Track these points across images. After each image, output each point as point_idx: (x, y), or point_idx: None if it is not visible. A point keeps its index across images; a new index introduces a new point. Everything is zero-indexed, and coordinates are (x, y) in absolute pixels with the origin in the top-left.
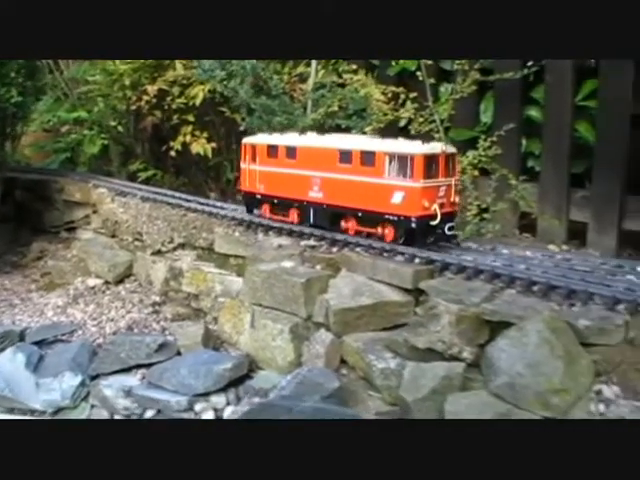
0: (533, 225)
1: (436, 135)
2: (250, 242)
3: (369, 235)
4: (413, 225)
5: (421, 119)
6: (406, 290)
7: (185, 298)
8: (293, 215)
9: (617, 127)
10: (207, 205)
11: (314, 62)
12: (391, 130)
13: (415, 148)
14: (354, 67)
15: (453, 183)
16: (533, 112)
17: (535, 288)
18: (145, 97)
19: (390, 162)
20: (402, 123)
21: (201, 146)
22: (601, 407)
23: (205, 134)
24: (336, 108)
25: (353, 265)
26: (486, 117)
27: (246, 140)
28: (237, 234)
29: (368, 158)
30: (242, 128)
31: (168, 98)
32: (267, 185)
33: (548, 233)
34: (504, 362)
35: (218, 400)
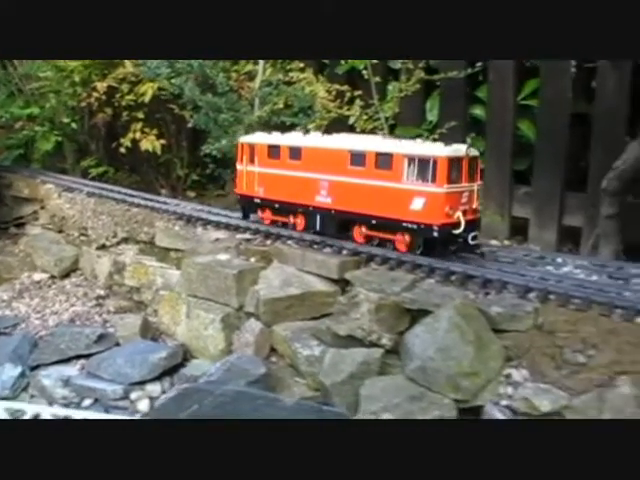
0: None
1: (380, 132)
2: (189, 236)
3: (381, 244)
4: (435, 234)
5: (365, 116)
6: (333, 280)
7: (128, 291)
8: (296, 221)
9: (557, 126)
10: (150, 200)
11: (262, 60)
12: (340, 128)
13: (438, 150)
14: (301, 65)
15: (476, 188)
16: (478, 111)
17: (453, 278)
18: (95, 94)
19: (409, 165)
20: (352, 120)
21: (150, 143)
22: (509, 390)
23: (155, 131)
24: (281, 105)
25: (284, 257)
26: (432, 115)
27: (243, 139)
28: (177, 228)
29: (384, 160)
30: (190, 125)
31: (117, 95)
32: (267, 188)
33: (491, 229)
34: (417, 347)
35: (153, 388)
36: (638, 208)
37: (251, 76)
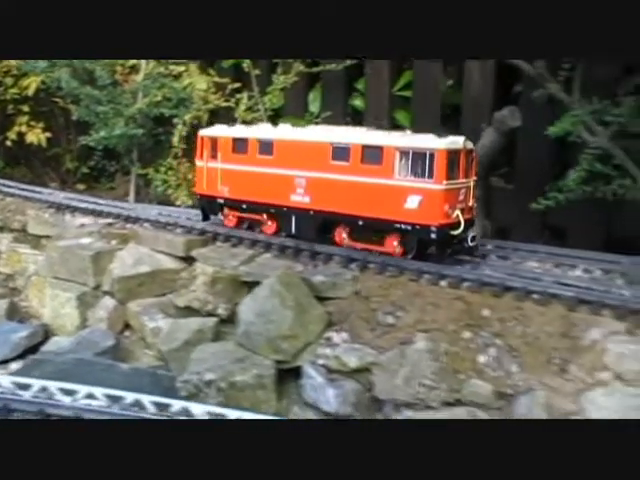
0: None
1: (260, 123)
2: (57, 222)
3: (366, 249)
4: (433, 235)
5: (243, 107)
6: (181, 258)
7: (4, 279)
8: (268, 223)
9: (430, 115)
10: (24, 190)
11: None
12: (224, 119)
13: (435, 142)
14: None
15: (472, 185)
16: (357, 102)
17: (287, 252)
18: None
19: (402, 159)
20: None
21: (36, 136)
22: (328, 351)
23: (42, 124)
24: (159, 98)
25: (139, 238)
26: (314, 107)
27: (204, 132)
28: (47, 215)
29: (373, 154)
30: (74, 118)
31: (1, 88)
32: (233, 187)
33: None
34: (243, 314)
35: (16, 366)
36: (505, 191)
37: (136, 69)
